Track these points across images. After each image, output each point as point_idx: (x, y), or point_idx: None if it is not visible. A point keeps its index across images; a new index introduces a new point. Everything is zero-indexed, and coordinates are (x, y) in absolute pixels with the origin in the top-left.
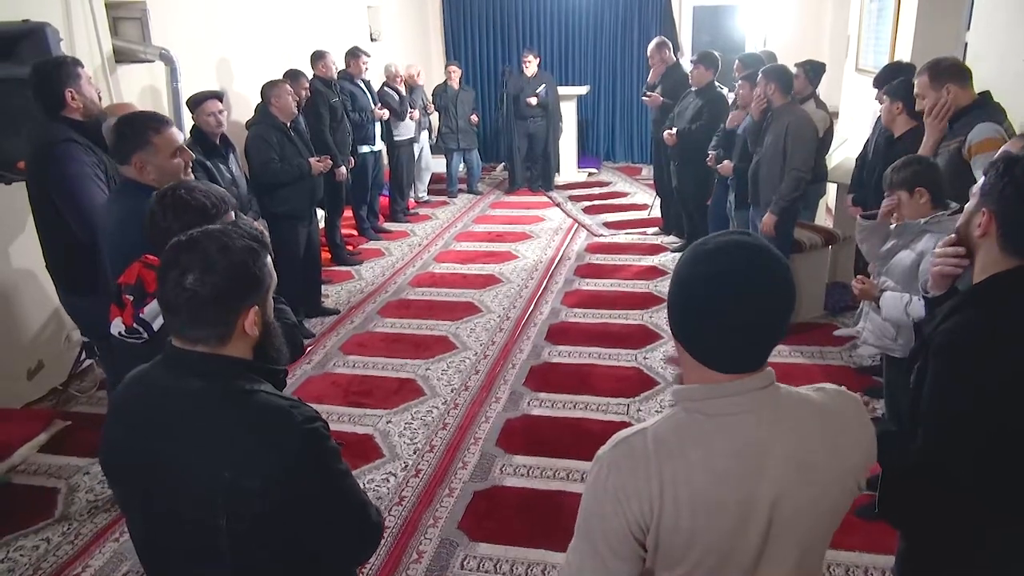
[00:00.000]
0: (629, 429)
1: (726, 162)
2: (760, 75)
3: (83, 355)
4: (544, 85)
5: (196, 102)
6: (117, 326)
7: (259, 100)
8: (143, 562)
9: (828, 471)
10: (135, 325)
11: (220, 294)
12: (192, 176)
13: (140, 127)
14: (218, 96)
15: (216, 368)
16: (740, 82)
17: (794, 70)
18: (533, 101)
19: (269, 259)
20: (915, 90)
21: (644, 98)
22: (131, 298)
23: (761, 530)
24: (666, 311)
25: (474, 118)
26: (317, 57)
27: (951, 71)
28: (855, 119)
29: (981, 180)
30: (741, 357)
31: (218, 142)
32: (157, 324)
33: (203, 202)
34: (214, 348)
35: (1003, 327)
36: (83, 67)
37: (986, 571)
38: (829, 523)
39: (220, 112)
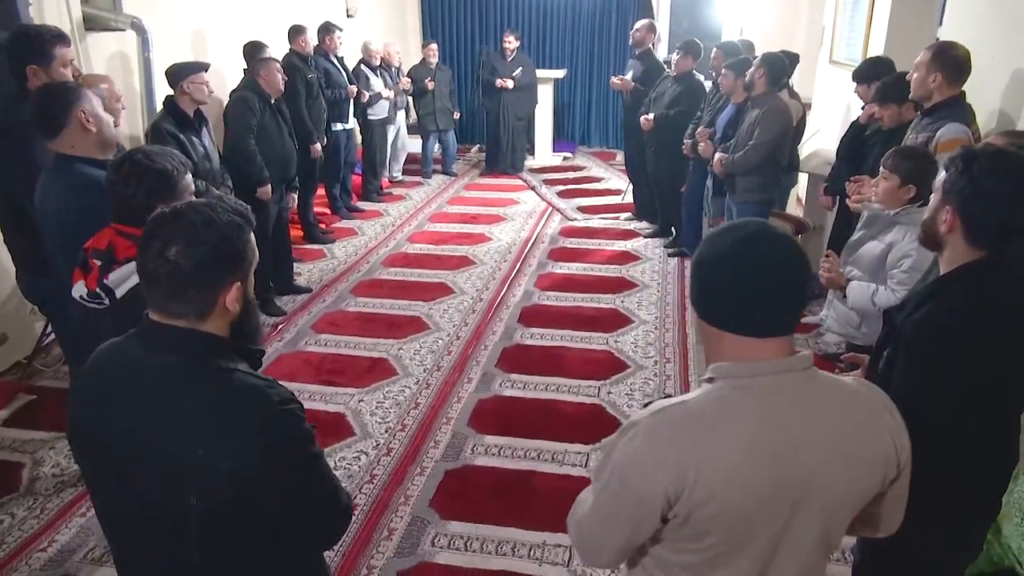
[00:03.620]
0: (669, 399)
1: (704, 144)
2: (759, 57)
3: (49, 329)
4: (520, 68)
5: (182, 72)
6: (79, 289)
7: (233, 73)
8: (108, 537)
9: (859, 454)
10: (98, 290)
11: (203, 268)
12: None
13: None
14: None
15: (194, 344)
16: (724, 71)
17: None
18: (509, 84)
19: (252, 236)
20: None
21: (614, 80)
22: (99, 263)
23: (789, 508)
24: (688, 300)
25: (456, 115)
26: (296, 31)
27: (950, 63)
28: (828, 110)
29: (942, 175)
30: (777, 319)
31: (192, 115)
32: (120, 291)
33: (164, 165)
34: (192, 323)
35: (972, 315)
36: (66, 46)
37: (942, 548)
38: (854, 505)
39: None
